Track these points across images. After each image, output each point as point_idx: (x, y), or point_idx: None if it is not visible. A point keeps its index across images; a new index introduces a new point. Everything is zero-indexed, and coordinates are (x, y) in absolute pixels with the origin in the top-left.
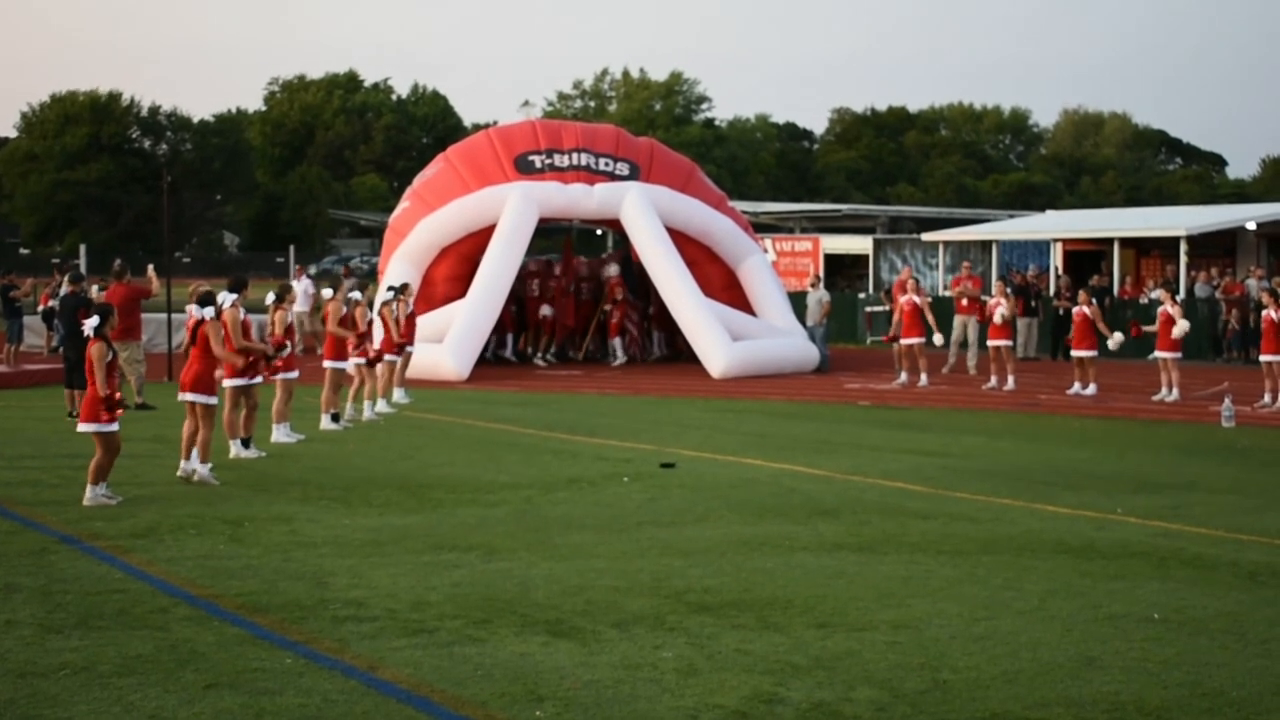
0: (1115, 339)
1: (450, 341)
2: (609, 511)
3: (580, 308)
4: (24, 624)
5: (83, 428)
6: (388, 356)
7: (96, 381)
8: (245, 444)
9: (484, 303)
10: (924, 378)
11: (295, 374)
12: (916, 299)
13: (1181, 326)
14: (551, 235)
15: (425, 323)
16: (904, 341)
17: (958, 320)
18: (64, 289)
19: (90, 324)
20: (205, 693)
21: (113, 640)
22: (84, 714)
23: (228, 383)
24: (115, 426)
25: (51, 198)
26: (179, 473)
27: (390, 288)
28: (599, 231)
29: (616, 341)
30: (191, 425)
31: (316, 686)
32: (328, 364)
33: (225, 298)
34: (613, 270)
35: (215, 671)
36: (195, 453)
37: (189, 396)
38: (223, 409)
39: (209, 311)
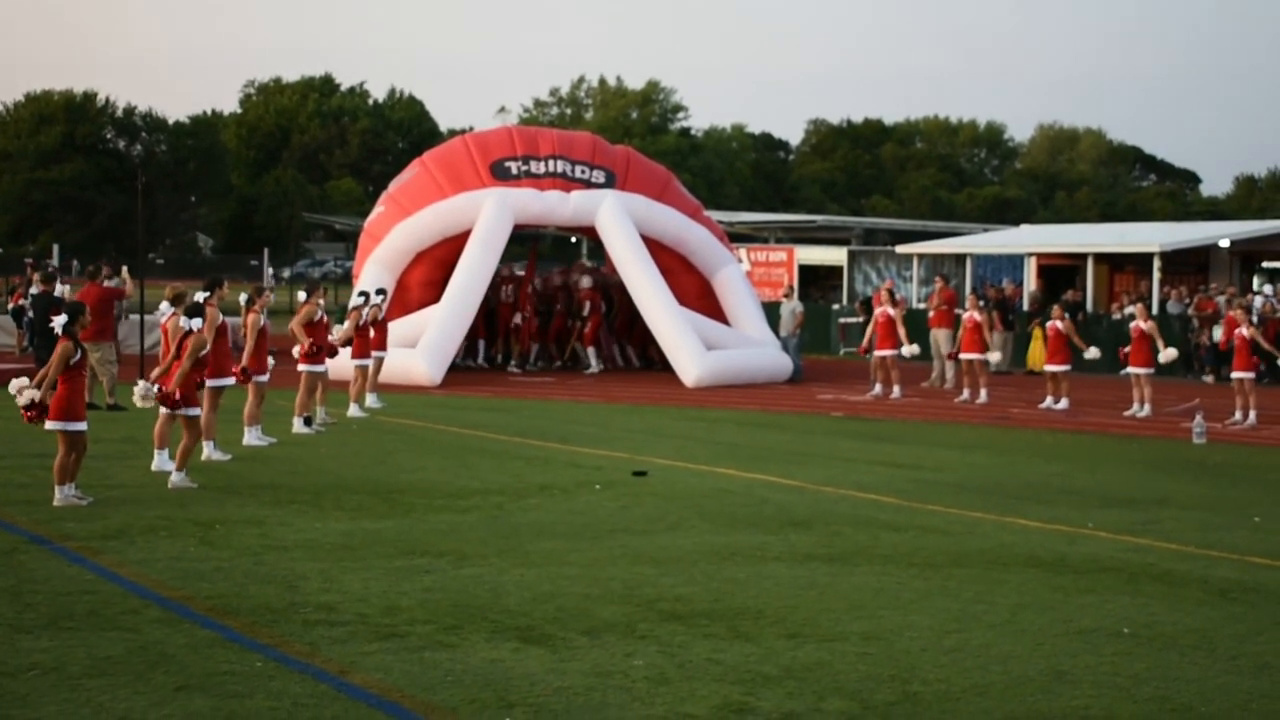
0: (1092, 351)
1: (424, 346)
2: (581, 519)
3: (554, 317)
4: None
5: (50, 425)
6: (358, 361)
7: (50, 375)
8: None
9: (458, 308)
10: (897, 390)
11: (266, 377)
12: (891, 311)
13: (1168, 354)
14: (526, 242)
15: (399, 327)
16: (878, 353)
17: (931, 334)
18: (36, 288)
19: (59, 321)
20: (175, 694)
21: (83, 641)
22: (53, 715)
23: (207, 382)
24: (83, 425)
25: (25, 197)
26: (154, 466)
27: (362, 293)
28: (574, 239)
29: (591, 350)
30: (165, 422)
31: (287, 690)
32: (302, 368)
33: (199, 297)
34: (586, 282)
35: (185, 673)
36: (175, 458)
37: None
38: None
39: (196, 323)
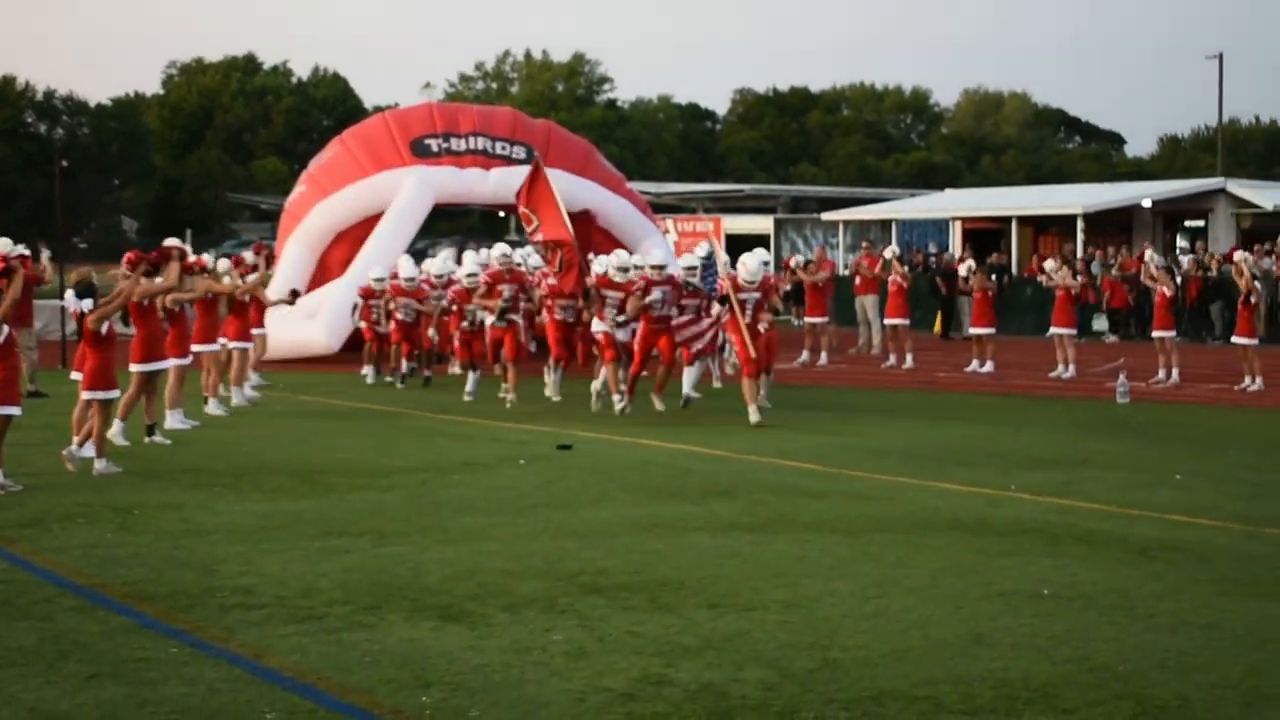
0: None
1: (323, 314)
2: (504, 494)
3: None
4: None
5: None
6: (236, 344)
7: None
8: (150, 431)
9: (363, 279)
10: (824, 357)
11: (189, 359)
12: (815, 279)
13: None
14: (454, 219)
15: (304, 302)
16: (807, 320)
17: (857, 301)
18: None
19: None
20: (87, 683)
21: None
22: None
23: (133, 368)
24: (16, 410)
25: None
26: (64, 451)
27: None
28: (501, 214)
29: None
30: (83, 409)
31: (201, 675)
32: (196, 348)
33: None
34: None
35: (98, 661)
36: (90, 445)
37: (87, 395)
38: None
39: (87, 304)
